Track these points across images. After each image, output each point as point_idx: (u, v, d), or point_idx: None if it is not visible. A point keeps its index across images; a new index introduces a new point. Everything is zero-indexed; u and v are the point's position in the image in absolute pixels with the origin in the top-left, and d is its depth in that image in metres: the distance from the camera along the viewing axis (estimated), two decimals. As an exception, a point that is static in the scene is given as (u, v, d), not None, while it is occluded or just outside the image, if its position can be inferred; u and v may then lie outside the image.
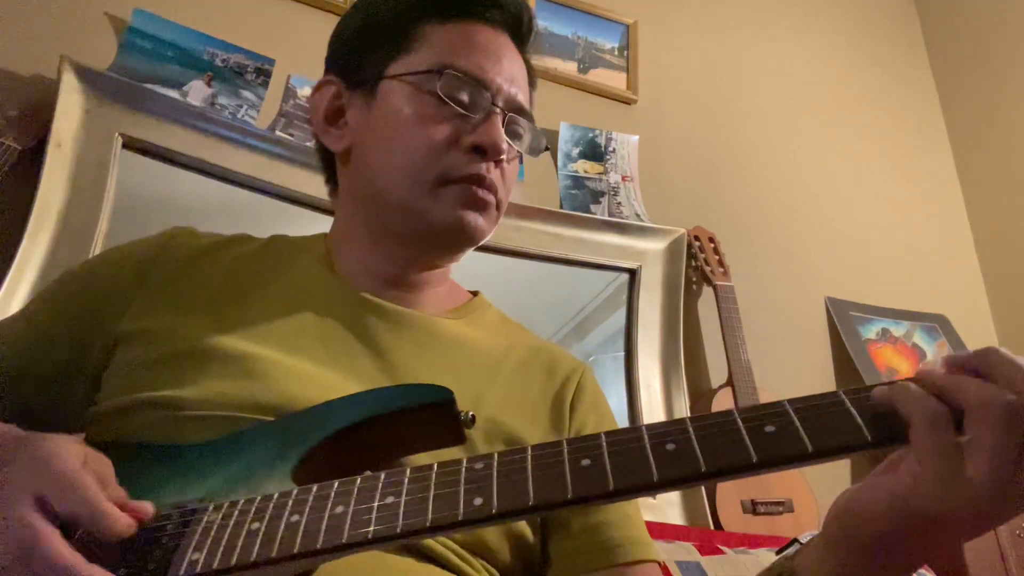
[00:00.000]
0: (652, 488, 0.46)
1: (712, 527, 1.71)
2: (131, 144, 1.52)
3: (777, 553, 0.63)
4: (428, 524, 0.48)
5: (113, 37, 1.60)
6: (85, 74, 1.48)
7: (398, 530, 0.48)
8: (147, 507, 0.55)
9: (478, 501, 0.48)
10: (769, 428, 0.46)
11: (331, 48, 0.90)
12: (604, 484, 0.46)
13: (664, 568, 1.23)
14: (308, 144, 1.58)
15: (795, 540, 0.57)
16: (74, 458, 0.53)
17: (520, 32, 0.87)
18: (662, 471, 0.46)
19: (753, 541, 1.55)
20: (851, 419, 0.46)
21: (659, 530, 1.45)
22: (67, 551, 0.48)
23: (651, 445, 0.47)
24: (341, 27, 0.90)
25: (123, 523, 0.52)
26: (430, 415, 0.63)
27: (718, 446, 0.46)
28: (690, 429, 0.48)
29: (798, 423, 0.46)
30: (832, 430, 0.46)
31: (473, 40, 0.82)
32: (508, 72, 0.83)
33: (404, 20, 0.83)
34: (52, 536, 0.49)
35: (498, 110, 0.80)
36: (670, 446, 0.47)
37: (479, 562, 0.69)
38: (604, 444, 0.49)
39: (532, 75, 0.91)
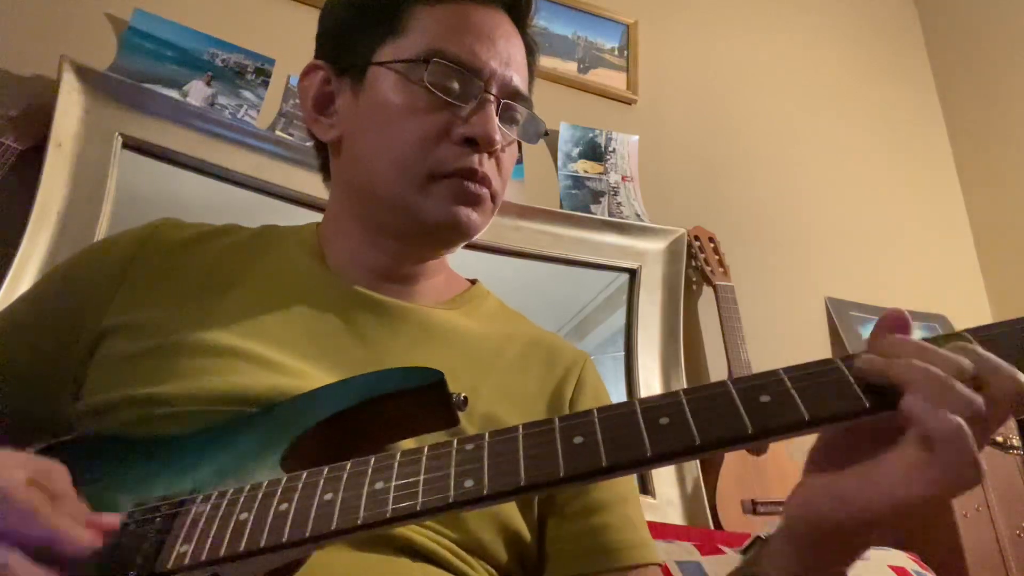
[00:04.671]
0: (646, 463, 0.45)
1: (712, 527, 1.70)
2: (131, 144, 1.52)
3: (741, 552, 0.62)
4: (418, 508, 0.47)
5: (113, 37, 1.60)
6: (85, 74, 1.49)
7: (388, 515, 0.47)
8: (111, 519, 0.53)
9: (469, 483, 0.47)
10: (764, 398, 0.46)
11: (320, 29, 0.85)
12: (597, 461, 0.45)
13: (664, 568, 1.22)
14: (308, 144, 1.58)
15: (757, 537, 0.55)
16: (17, 478, 0.49)
17: (518, 9, 0.83)
18: (656, 446, 0.45)
19: (754, 540, 1.54)
20: (848, 386, 0.45)
21: (659, 530, 1.44)
22: (34, 570, 0.46)
23: (644, 420, 0.46)
24: (330, 6, 0.85)
25: (82, 540, 0.49)
26: (421, 398, 0.61)
27: (712, 418, 0.45)
28: (684, 402, 0.47)
29: (794, 391, 0.45)
30: (829, 397, 0.45)
31: (466, 22, 0.78)
32: (504, 54, 0.78)
33: (394, 0, 0.79)
34: (14, 559, 0.46)
35: (491, 98, 0.76)
36: (663, 420, 0.46)
37: (477, 561, 0.68)
38: (596, 420, 0.48)
39: (533, 55, 0.86)
